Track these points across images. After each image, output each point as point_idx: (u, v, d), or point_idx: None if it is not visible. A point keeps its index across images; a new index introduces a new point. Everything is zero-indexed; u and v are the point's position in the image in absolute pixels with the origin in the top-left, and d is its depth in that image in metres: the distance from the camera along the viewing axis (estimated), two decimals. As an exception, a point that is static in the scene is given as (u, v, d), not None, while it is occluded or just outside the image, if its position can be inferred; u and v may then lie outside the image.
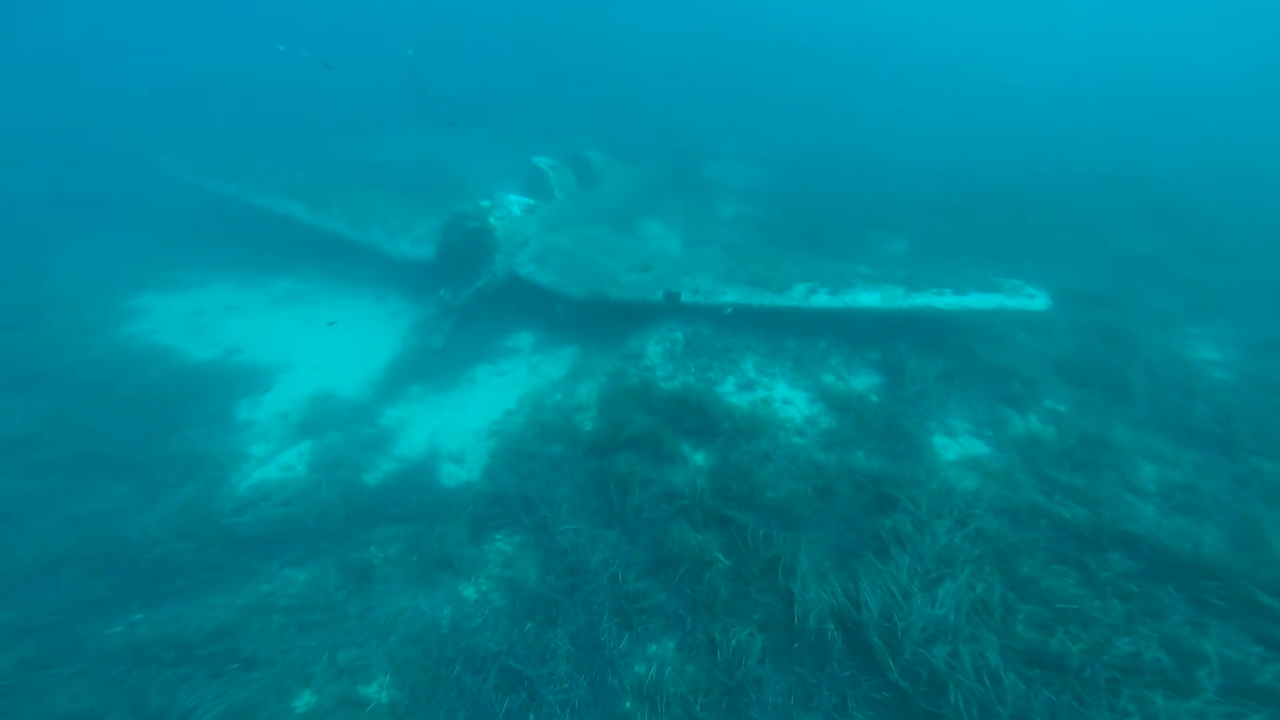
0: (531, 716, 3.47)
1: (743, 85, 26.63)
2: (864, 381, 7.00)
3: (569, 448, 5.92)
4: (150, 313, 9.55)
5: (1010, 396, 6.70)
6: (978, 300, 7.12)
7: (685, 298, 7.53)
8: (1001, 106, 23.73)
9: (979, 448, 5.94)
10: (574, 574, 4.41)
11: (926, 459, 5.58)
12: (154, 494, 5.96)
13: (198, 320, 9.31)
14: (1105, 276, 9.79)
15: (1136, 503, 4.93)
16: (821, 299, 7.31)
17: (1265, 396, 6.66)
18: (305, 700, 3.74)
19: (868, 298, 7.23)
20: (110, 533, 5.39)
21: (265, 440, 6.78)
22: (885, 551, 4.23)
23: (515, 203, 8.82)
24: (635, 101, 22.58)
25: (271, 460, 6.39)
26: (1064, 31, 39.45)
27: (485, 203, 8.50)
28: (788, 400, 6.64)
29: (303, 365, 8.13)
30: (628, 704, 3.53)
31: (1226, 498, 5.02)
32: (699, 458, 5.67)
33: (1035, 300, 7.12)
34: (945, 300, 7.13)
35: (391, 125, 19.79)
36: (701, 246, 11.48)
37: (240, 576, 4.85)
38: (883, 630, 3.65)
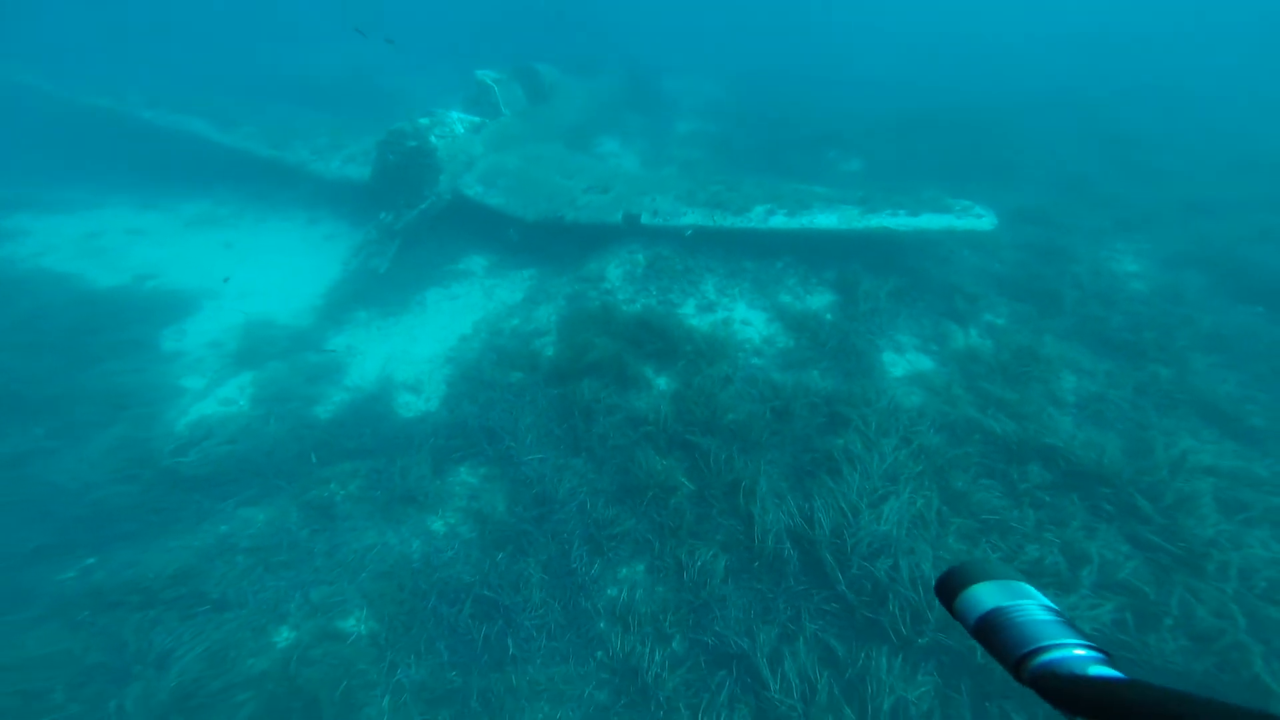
0: (509, 641, 3.59)
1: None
2: (819, 300, 7.02)
3: (530, 374, 5.74)
4: (31, 235, 8.29)
5: (954, 312, 6.90)
6: (929, 221, 7.10)
7: (645, 219, 7.16)
8: (959, 25, 22.85)
9: (924, 363, 6.16)
10: (542, 504, 4.42)
11: (876, 377, 5.75)
12: (77, 435, 5.47)
13: (96, 244, 8.18)
14: (1049, 196, 9.95)
15: (1057, 415, 5.30)
16: (779, 220, 7.13)
17: (1171, 306, 7.13)
18: (284, 636, 3.71)
19: (824, 219, 7.10)
20: (33, 477, 4.97)
21: (199, 372, 6.25)
22: (837, 471, 4.42)
23: (458, 120, 7.94)
24: (590, 14, 20.24)
25: (210, 394, 5.94)
26: None
27: (424, 120, 7.62)
28: (746, 321, 6.60)
29: (230, 291, 7.37)
30: (601, 625, 3.70)
31: (1128, 407, 5.47)
32: (661, 382, 5.63)
33: (983, 220, 7.17)
34: (899, 221, 7.08)
35: (308, 31, 16.96)
36: (660, 165, 10.88)
37: (193, 518, 4.61)
38: (833, 547, 3.89)
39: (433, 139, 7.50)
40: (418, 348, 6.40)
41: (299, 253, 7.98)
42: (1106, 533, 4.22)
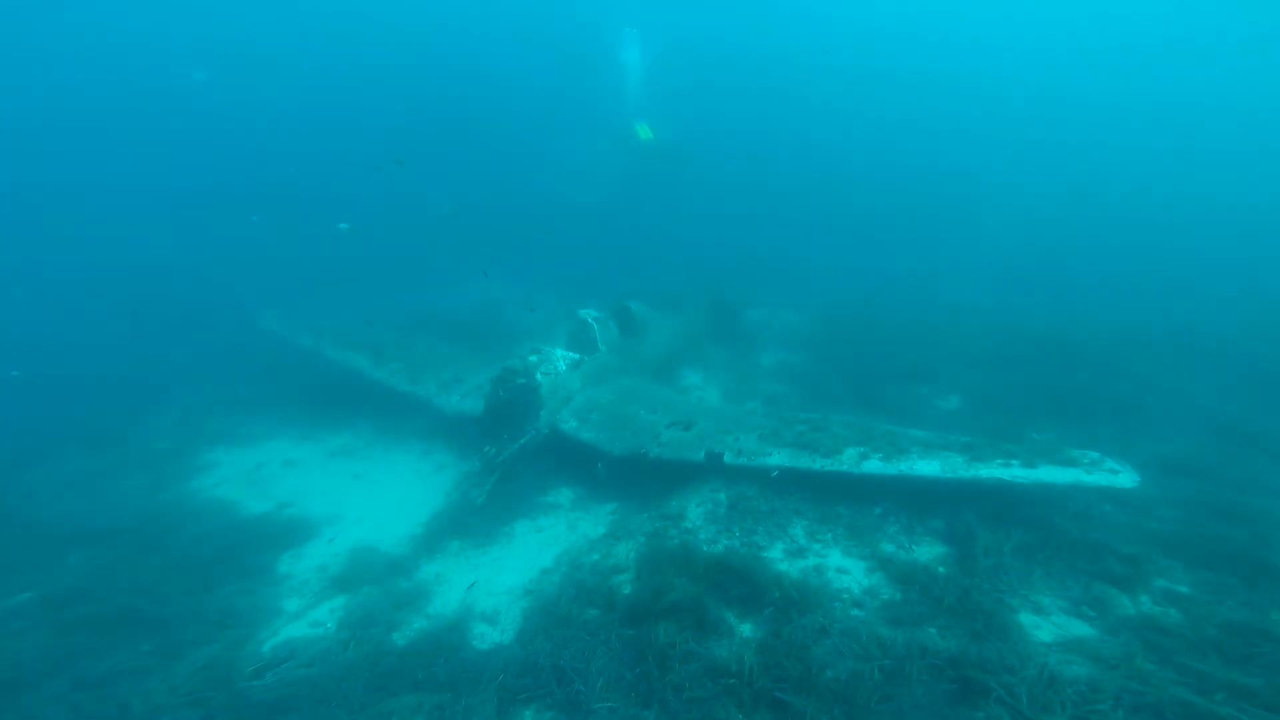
0: None
1: (782, 228, 27.35)
2: (928, 552, 6.56)
3: (606, 612, 5.66)
4: (219, 467, 10.31)
5: (1108, 574, 6.05)
6: (1050, 474, 6.73)
7: (728, 458, 7.56)
8: (1046, 244, 23.28)
9: (1080, 629, 5.27)
10: (606, 762, 3.95)
11: (1015, 640, 4.96)
12: (177, 653, 5.91)
13: (258, 474, 9.93)
14: (1200, 447, 9.16)
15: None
16: (874, 465, 7.12)
17: None
18: None
19: (925, 466, 6.99)
20: (109, 698, 5.30)
21: (300, 594, 6.83)
22: (977, 753, 3.63)
23: (561, 358, 9.40)
24: (677, 249, 23.04)
25: (303, 616, 6.38)
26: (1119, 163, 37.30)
27: (533, 358, 9.07)
28: (843, 569, 6.25)
29: (349, 518, 8.43)
30: None
31: None
32: (746, 629, 5.27)
33: (1120, 476, 6.62)
34: (1014, 473, 6.77)
35: (449, 275, 21.38)
36: (743, 399, 11.65)
37: (248, 749, 4.58)
38: None
39: (539, 376, 8.77)
40: (501, 578, 6.66)
41: (411, 483, 9.13)
42: None
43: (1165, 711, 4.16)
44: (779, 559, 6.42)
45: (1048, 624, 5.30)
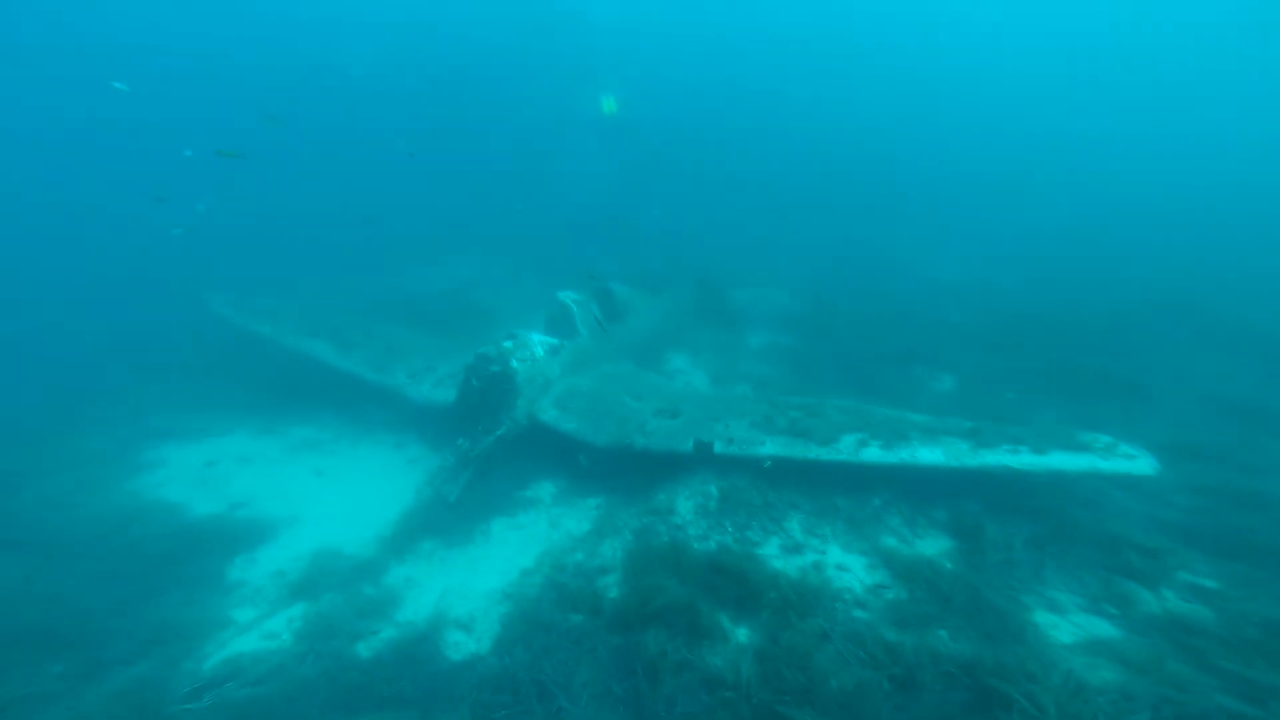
0: None
1: (767, 206, 27.63)
2: (933, 546, 6.33)
3: (591, 618, 5.37)
4: (165, 465, 9.54)
5: (1129, 569, 5.87)
6: (1063, 461, 6.56)
7: (718, 448, 7.26)
8: (1026, 223, 23.92)
9: (1103, 628, 5.07)
10: (592, 791, 3.64)
11: (1033, 643, 4.74)
12: (95, 674, 5.41)
13: (210, 472, 9.24)
14: (1204, 426, 9.13)
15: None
16: (874, 454, 6.89)
17: None
18: None
19: (927, 454, 6.79)
20: None
21: (254, 603, 6.40)
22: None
23: (539, 343, 9.05)
24: (662, 231, 22.97)
25: (255, 627, 5.97)
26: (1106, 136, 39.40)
27: (508, 344, 8.69)
28: (843, 566, 6.00)
29: (310, 518, 7.98)
30: None
31: None
32: (741, 634, 5.00)
33: (1137, 462, 6.50)
34: (1024, 460, 6.59)
35: (420, 253, 20.91)
36: (731, 383, 11.43)
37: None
38: None
39: (514, 363, 8.41)
40: (477, 581, 6.32)
41: (381, 478, 8.69)
42: None
43: (1209, 722, 3.92)
44: (775, 556, 6.15)
45: (1067, 623, 5.09)
